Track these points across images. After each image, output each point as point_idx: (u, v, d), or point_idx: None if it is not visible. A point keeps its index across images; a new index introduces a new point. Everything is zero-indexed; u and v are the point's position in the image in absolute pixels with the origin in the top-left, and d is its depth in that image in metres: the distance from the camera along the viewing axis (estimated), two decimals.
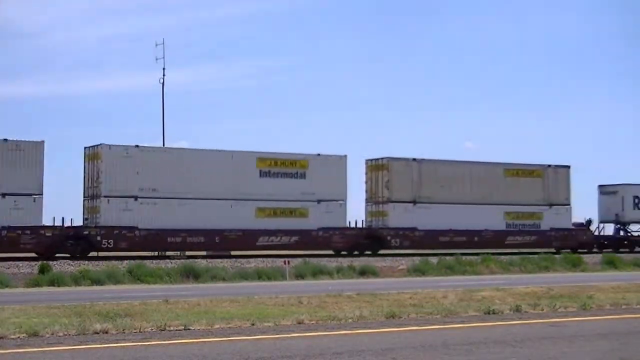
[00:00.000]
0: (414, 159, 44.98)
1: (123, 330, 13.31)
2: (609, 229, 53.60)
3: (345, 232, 42.74)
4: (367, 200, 45.23)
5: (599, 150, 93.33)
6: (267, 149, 42.62)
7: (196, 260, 34.93)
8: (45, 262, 30.42)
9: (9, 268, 30.28)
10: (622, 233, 53.65)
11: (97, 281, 27.77)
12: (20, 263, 31.91)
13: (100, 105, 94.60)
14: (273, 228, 40.46)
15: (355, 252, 42.17)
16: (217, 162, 39.94)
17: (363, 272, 33.09)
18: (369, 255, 40.66)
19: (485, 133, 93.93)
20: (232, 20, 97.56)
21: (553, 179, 48.34)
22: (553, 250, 46.76)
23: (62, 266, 31.35)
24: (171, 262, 33.68)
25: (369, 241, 43.22)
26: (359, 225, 44.20)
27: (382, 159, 44.86)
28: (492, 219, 46.01)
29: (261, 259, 36.98)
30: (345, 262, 35.40)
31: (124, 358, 10.81)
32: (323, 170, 42.00)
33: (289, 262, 31.90)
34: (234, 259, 37.01)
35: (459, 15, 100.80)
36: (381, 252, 43.38)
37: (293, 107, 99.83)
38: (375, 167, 45.05)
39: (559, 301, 18.83)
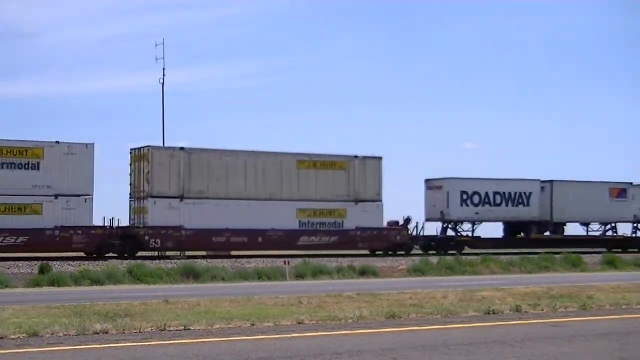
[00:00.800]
0: (182, 148, 39.83)
1: (123, 330, 13.31)
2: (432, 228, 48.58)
3: (89, 231, 37.22)
4: (130, 195, 40.10)
5: (608, 149, 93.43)
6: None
7: (196, 260, 34.96)
8: (45, 262, 30.42)
9: (9, 268, 30.30)
10: (451, 233, 48.15)
11: (97, 281, 27.80)
12: (20, 263, 31.92)
13: (100, 105, 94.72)
14: None
15: (110, 254, 37.22)
16: None
17: (363, 272, 33.13)
18: (125, 258, 35.63)
19: (486, 133, 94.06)
20: (232, 20, 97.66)
21: (360, 171, 42.99)
22: (364, 252, 42.95)
23: (62, 266, 31.37)
24: (171, 262, 33.70)
25: (123, 242, 37.82)
26: (122, 223, 39.10)
27: (143, 147, 39.47)
28: (281, 216, 40.81)
29: (261, 259, 37.00)
30: (345, 262, 35.43)
31: (124, 358, 10.80)
32: (63, 161, 36.83)
33: (288, 262, 31.94)
34: (234, 259, 37.02)
35: (459, 15, 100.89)
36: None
37: (293, 106, 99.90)
38: (138, 157, 39.60)
39: (559, 301, 18.83)
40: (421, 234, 46.61)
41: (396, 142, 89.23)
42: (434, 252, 45.01)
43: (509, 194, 48.47)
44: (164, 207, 38.89)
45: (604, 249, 49.76)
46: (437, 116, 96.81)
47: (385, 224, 44.49)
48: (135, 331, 13.28)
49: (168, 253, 40.74)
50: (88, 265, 31.32)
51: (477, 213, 47.73)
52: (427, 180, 48.68)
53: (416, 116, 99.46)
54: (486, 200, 47.94)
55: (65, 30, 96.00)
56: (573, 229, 52.18)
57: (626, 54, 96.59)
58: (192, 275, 30.33)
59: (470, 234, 48.43)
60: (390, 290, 21.81)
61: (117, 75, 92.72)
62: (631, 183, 52.77)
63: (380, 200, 43.64)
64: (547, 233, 50.34)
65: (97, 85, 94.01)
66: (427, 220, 47.83)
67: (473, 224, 48.29)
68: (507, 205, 48.41)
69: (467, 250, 46.38)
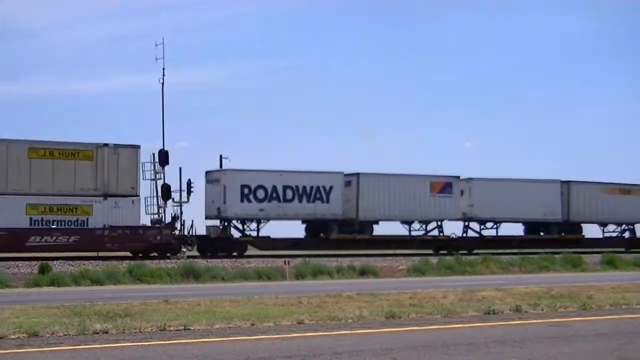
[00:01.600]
0: None
1: (123, 330, 13.30)
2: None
3: None
4: None
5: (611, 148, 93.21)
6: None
7: (196, 260, 34.93)
8: (45, 262, 30.42)
9: (9, 268, 30.31)
10: (235, 232, 42.52)
11: (97, 281, 27.83)
12: (20, 263, 31.92)
13: (100, 105, 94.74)
14: None
15: None
16: None
17: (363, 272, 33.14)
18: None
19: (486, 133, 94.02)
20: (231, 20, 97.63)
21: (112, 162, 37.63)
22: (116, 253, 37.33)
23: (62, 266, 31.37)
24: (171, 262, 33.70)
25: None
26: None
27: None
28: (6, 213, 35.54)
29: (261, 259, 36.97)
30: (345, 262, 35.43)
31: (124, 358, 10.79)
32: None
33: (288, 262, 31.95)
34: (234, 259, 36.99)
35: (459, 15, 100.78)
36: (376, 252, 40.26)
37: (293, 106, 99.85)
38: None
39: (559, 301, 18.81)
40: (191, 233, 40.63)
41: (394, 140, 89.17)
42: (209, 253, 39.93)
43: (304, 188, 42.65)
44: None
45: (430, 251, 45.73)
46: (437, 116, 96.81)
47: (149, 222, 39.55)
48: (135, 331, 13.27)
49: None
50: (88, 265, 31.33)
51: (261, 210, 42.00)
52: (207, 173, 42.96)
53: (415, 115, 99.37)
54: (274, 195, 42.13)
55: (65, 30, 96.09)
56: (394, 229, 47.02)
57: (626, 54, 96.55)
58: (192, 275, 30.35)
59: (256, 233, 42.86)
60: (390, 290, 21.79)
61: (117, 75, 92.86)
62: (458, 177, 47.00)
63: (137, 195, 38.58)
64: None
65: (97, 85, 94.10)
66: (207, 218, 42.38)
67: (258, 222, 42.75)
68: (300, 201, 42.64)
69: (252, 251, 41.95)
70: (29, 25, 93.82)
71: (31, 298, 20.72)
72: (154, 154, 41.58)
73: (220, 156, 44.12)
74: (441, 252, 45.26)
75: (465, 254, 42.81)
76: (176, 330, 13.55)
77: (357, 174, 44.56)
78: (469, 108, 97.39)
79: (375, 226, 45.63)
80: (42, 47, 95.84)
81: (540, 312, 17.14)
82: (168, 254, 37.94)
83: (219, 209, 41.42)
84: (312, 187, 42.80)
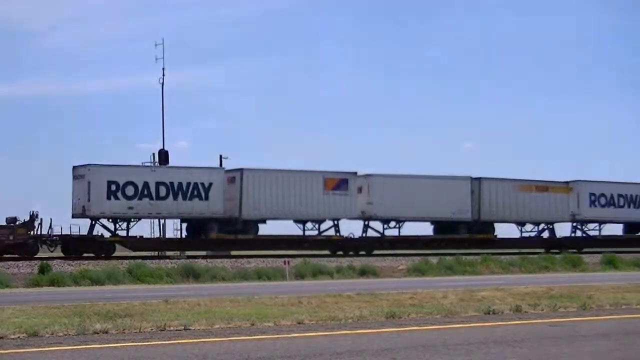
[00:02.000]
0: None
1: (123, 330, 13.30)
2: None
3: None
4: None
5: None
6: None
7: (196, 260, 34.95)
8: (45, 262, 30.44)
9: (9, 268, 30.30)
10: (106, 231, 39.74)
11: (97, 281, 27.87)
12: (20, 263, 31.93)
13: (100, 105, 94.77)
14: None
15: None
16: None
17: (363, 272, 33.17)
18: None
19: (485, 133, 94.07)
20: (232, 20, 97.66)
21: None
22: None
23: (62, 266, 31.37)
24: (171, 262, 33.70)
25: None
26: None
27: None
28: None
29: (261, 259, 36.97)
30: (345, 262, 35.43)
31: (124, 358, 10.79)
32: None
33: (289, 262, 31.98)
34: (234, 259, 36.99)
35: (459, 14, 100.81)
36: (379, 252, 40.21)
37: (293, 107, 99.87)
38: None
39: (559, 301, 18.81)
40: (51, 232, 37.81)
41: (390, 140, 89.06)
42: (74, 255, 36.48)
43: (180, 185, 39.96)
44: None
45: (327, 252, 43.48)
46: (437, 115, 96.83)
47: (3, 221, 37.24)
48: (135, 331, 13.27)
49: (168, 253, 40.67)
50: (88, 265, 31.33)
51: (131, 208, 39.20)
52: (73, 169, 39.97)
53: (415, 115, 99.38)
54: (145, 192, 39.33)
55: (65, 30, 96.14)
56: (289, 228, 43.98)
57: (626, 54, 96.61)
58: (192, 275, 30.39)
59: (126, 232, 40.12)
60: (390, 290, 21.79)
61: (117, 75, 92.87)
62: (355, 173, 44.40)
63: None
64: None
65: (97, 85, 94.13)
66: (73, 216, 39.35)
67: (128, 221, 40.04)
68: (176, 198, 39.94)
69: (118, 251, 39.55)
70: (29, 26, 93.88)
71: (31, 298, 20.72)
72: (154, 154, 41.72)
73: (220, 156, 44.43)
74: (338, 253, 43.38)
75: (364, 256, 41.53)
76: (176, 330, 13.55)
77: (241, 170, 42.14)
78: (468, 108, 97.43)
79: (264, 226, 43.07)
80: (42, 47, 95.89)
81: (540, 312, 17.13)
82: (25, 255, 35.22)
83: (83, 207, 38.60)
84: (189, 184, 40.15)
